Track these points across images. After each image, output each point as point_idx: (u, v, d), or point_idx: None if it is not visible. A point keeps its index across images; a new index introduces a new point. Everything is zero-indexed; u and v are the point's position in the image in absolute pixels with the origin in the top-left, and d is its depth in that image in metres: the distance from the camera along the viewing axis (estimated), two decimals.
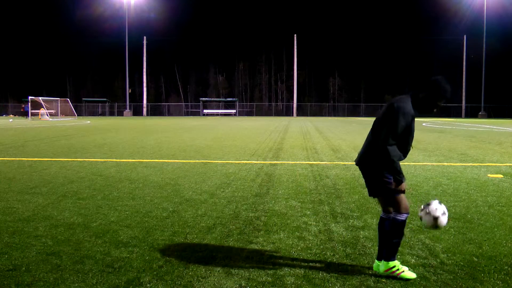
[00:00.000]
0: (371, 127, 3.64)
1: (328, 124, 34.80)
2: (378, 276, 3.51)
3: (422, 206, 3.56)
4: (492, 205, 5.93)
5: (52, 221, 5.02)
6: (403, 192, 3.50)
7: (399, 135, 3.42)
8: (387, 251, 3.51)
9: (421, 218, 3.55)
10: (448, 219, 3.55)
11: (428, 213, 3.47)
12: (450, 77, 78.72)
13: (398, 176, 3.45)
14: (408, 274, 3.46)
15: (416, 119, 3.56)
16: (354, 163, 3.82)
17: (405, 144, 3.52)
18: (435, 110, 3.50)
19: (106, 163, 10.05)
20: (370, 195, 3.63)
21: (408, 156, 3.66)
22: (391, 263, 3.49)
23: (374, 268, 3.61)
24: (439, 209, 3.46)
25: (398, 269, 3.47)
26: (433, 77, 3.48)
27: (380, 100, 72.62)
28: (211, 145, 14.57)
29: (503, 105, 68.62)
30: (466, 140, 17.48)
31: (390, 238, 3.49)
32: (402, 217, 3.49)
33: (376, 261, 3.61)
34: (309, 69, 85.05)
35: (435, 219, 3.44)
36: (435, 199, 3.68)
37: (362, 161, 3.61)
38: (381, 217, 3.60)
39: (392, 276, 3.45)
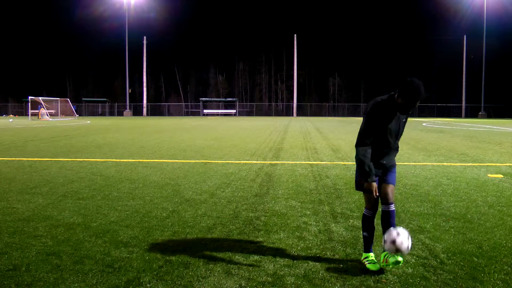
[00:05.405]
0: None
1: (328, 124, 34.79)
2: (378, 276, 3.51)
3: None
4: (492, 205, 5.93)
5: (52, 221, 5.02)
6: (370, 192, 3.61)
7: (372, 133, 3.56)
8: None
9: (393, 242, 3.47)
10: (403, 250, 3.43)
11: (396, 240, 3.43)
12: (450, 77, 79.16)
13: (364, 176, 3.59)
14: (371, 266, 3.64)
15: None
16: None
17: (385, 142, 3.63)
18: (411, 111, 3.54)
19: (106, 163, 10.04)
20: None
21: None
22: (364, 254, 3.78)
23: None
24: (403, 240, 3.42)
25: (367, 260, 3.70)
26: (407, 79, 3.43)
27: None
28: (211, 145, 14.57)
29: (503, 105, 68.64)
30: (466, 140, 17.47)
31: (362, 231, 3.82)
32: (365, 212, 3.76)
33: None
34: (309, 69, 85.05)
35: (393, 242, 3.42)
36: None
37: None
38: None
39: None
